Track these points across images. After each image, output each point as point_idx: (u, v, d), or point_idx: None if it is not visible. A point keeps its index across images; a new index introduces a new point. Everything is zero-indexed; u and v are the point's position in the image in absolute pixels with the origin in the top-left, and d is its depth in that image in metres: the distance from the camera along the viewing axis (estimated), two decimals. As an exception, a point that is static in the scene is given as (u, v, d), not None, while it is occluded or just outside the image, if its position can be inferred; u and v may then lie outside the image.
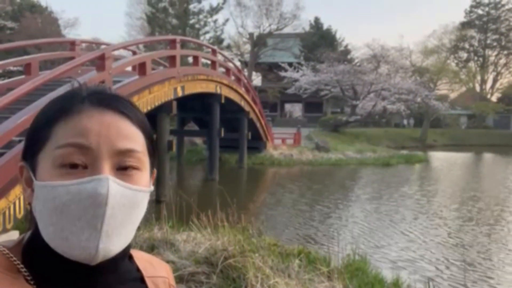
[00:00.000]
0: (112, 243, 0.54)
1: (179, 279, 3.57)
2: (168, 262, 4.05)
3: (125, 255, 0.61)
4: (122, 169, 0.56)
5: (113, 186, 0.53)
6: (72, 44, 9.78)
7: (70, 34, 32.73)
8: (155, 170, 0.64)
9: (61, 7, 63.11)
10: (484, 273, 5.26)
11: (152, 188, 0.61)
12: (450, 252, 6.07)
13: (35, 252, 0.57)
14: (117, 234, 0.54)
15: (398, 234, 7.04)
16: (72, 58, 8.58)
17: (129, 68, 9.70)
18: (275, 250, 4.53)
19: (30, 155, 0.59)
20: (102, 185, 0.53)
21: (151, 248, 4.39)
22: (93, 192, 0.52)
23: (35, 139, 0.58)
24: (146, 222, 5.12)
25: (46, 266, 0.57)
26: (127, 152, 0.57)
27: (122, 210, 0.54)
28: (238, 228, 4.56)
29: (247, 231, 4.65)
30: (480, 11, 40.67)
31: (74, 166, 0.55)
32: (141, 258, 0.68)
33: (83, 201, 0.52)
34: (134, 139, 0.58)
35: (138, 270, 0.65)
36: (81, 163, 0.55)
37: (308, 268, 4.10)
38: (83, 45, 13.78)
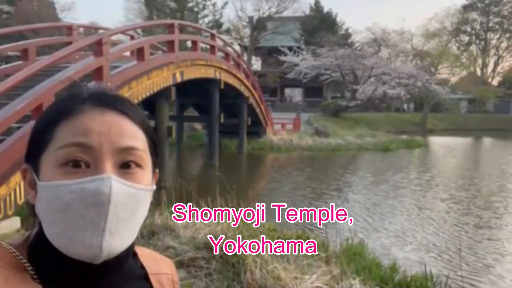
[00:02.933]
0: (116, 241, 0.55)
1: (179, 264, 3.62)
2: (168, 247, 4.10)
3: (129, 253, 0.62)
4: (124, 167, 0.57)
5: (115, 185, 0.54)
6: (69, 29, 9.69)
7: (67, 18, 32.38)
8: (157, 171, 0.64)
9: (58, -10, 62.13)
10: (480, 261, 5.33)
11: (154, 187, 0.62)
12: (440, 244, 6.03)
13: (40, 251, 0.58)
14: (120, 233, 0.55)
15: (389, 223, 7.09)
16: (69, 43, 8.50)
17: (128, 53, 9.62)
18: (274, 235, 4.57)
19: (33, 157, 0.59)
20: (105, 184, 0.53)
21: (152, 234, 4.44)
22: (96, 191, 0.53)
23: (38, 141, 0.59)
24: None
25: (52, 265, 0.58)
26: (129, 150, 0.57)
27: (125, 208, 0.55)
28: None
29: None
30: (482, -6, 40.10)
31: (76, 165, 0.55)
32: (144, 255, 0.68)
33: (86, 200, 0.53)
34: (136, 137, 0.59)
35: (142, 267, 0.66)
36: (84, 162, 0.55)
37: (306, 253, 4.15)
38: (81, 29, 13.65)
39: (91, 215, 0.53)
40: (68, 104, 0.58)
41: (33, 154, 0.59)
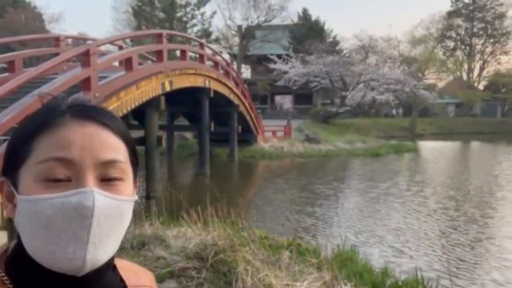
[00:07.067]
0: (99, 253, 0.54)
1: (170, 275, 3.59)
2: (158, 258, 4.06)
3: (109, 266, 0.61)
4: (106, 180, 0.57)
5: (98, 198, 0.54)
6: (57, 40, 9.64)
7: (55, 29, 32.19)
8: (137, 179, 0.64)
9: (45, 1, 61.86)
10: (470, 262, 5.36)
11: (136, 197, 0.62)
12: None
13: (19, 265, 0.58)
14: (103, 245, 0.55)
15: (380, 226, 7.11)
16: (57, 54, 8.46)
17: (116, 63, 9.60)
18: (265, 243, 4.56)
19: (11, 170, 0.58)
20: (87, 198, 0.53)
21: (142, 245, 4.39)
22: (78, 204, 0.53)
23: (16, 154, 0.58)
24: (137, 218, 5.11)
25: (30, 278, 0.57)
26: (111, 163, 0.57)
27: (108, 221, 0.55)
28: (228, 223, 4.58)
29: (237, 225, 4.68)
30: (466, 0, 40.96)
31: (57, 179, 0.54)
32: (124, 267, 0.67)
33: (68, 214, 0.52)
34: (117, 149, 0.58)
35: (121, 280, 0.65)
36: (65, 176, 0.55)
37: (298, 259, 4.14)
38: (69, 40, 13.60)
39: (74, 229, 0.52)
40: (47, 117, 0.58)
41: (11, 167, 0.58)
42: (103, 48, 11.27)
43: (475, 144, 26.21)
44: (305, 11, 37.52)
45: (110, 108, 6.57)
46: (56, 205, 0.53)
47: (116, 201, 0.56)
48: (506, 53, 40.91)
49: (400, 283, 4.02)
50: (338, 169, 14.89)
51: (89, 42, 9.91)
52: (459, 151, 23.04)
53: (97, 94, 6.61)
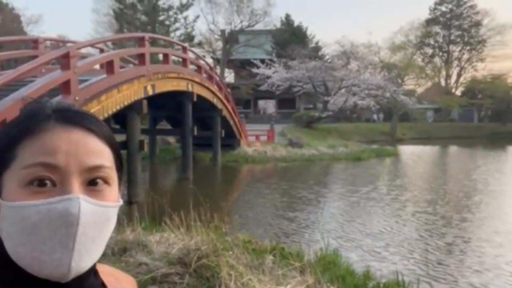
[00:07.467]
0: (84, 260, 0.54)
1: (152, 281, 3.54)
2: (140, 264, 4.00)
3: (91, 271, 0.61)
4: (92, 185, 0.57)
5: (84, 205, 0.54)
6: (35, 42, 9.45)
7: (33, 31, 31.54)
8: (121, 184, 0.64)
9: (24, 3, 60.45)
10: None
11: (121, 202, 0.62)
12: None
13: (0, 269, 0.57)
14: (89, 251, 0.55)
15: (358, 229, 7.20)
16: (35, 56, 8.28)
17: (97, 67, 9.46)
18: (248, 247, 4.56)
19: None
20: (73, 205, 0.53)
21: (123, 251, 4.32)
22: (64, 212, 0.52)
23: None
24: (118, 224, 5.02)
25: (12, 283, 0.56)
26: (97, 168, 0.57)
27: (93, 227, 0.55)
28: (211, 227, 4.56)
29: (220, 229, 4.66)
30: (443, 8, 42.21)
31: (42, 184, 0.54)
32: (105, 272, 0.67)
33: (54, 221, 0.52)
34: (103, 155, 0.58)
35: (103, 284, 0.65)
36: (50, 181, 0.54)
37: (281, 263, 4.15)
38: (48, 43, 13.34)
39: (60, 236, 0.52)
40: (31, 122, 0.57)
41: None
42: (84, 51, 11.11)
43: (453, 149, 26.87)
44: (287, 16, 37.88)
45: (91, 111, 6.46)
46: (42, 212, 0.52)
47: (101, 207, 0.56)
48: (482, 60, 42.24)
49: (381, 285, 4.07)
50: (320, 174, 15.03)
51: (69, 44, 9.74)
52: (437, 155, 23.58)
53: (77, 98, 6.50)
